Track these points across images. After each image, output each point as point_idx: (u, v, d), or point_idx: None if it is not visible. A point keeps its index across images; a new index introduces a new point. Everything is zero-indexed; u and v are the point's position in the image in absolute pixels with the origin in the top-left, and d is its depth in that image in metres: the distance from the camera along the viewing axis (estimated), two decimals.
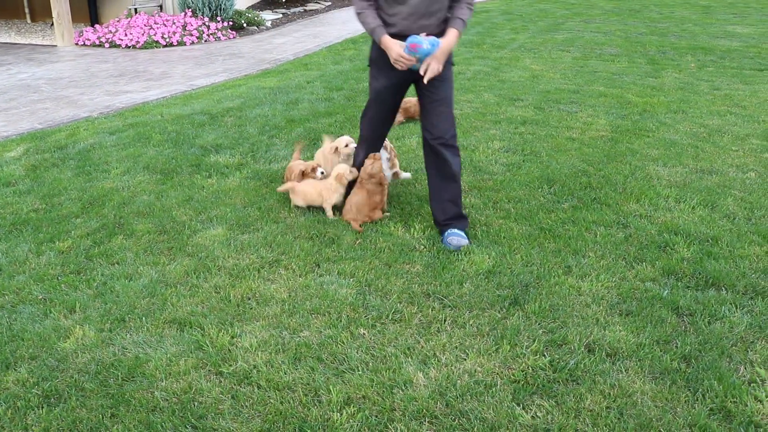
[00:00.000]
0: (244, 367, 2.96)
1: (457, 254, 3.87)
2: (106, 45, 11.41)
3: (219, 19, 12.14)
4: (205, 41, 11.56)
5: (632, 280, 3.61)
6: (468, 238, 4.01)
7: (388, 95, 4.11)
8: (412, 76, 3.96)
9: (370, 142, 4.34)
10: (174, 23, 11.72)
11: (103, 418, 2.71)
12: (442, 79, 3.92)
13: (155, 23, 11.74)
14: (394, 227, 4.21)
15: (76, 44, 11.76)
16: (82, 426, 2.67)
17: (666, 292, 3.47)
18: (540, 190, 4.78)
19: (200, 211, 4.52)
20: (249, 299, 3.49)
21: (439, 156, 4.02)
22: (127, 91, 8.23)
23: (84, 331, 3.26)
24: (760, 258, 3.82)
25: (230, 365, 2.98)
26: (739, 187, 4.85)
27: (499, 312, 3.33)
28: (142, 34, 11.33)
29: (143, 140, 6.05)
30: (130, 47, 11.22)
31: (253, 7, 14.56)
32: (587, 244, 3.99)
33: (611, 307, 3.36)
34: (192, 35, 11.49)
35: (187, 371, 2.96)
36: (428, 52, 3.70)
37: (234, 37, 11.95)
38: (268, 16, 13.78)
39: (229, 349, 3.09)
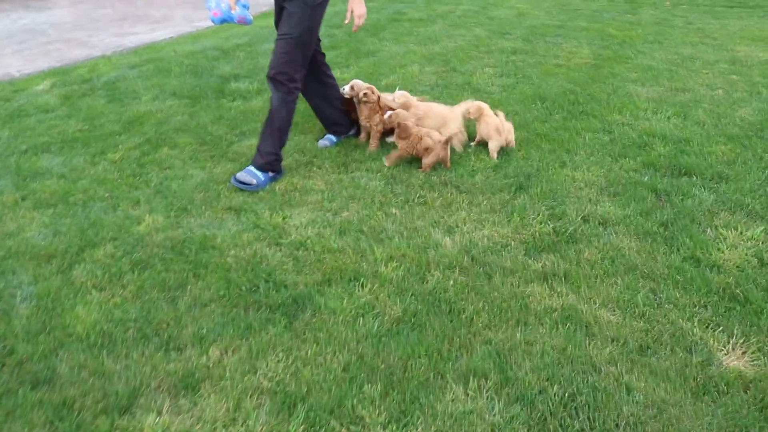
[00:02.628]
0: (298, 239, 3.55)
1: (467, 154, 4.46)
2: None
3: None
4: None
5: (617, 171, 4.22)
6: (256, 179, 4.13)
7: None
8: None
9: None
10: None
11: (187, 277, 3.28)
12: (288, 14, 4.11)
13: None
14: None
15: None
16: (171, 283, 3.24)
17: (647, 178, 4.10)
18: (533, 105, 5.37)
19: (233, 126, 5.05)
20: (292, 191, 4.06)
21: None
22: (134, 32, 8.60)
23: (153, 218, 3.81)
24: (725, 153, 4.46)
25: (286, 238, 3.56)
26: (708, 101, 5.47)
27: (507, 195, 3.94)
28: None
29: (163, 72, 6.51)
30: None
31: None
32: (578, 145, 4.59)
33: (601, 190, 3.98)
34: None
35: (250, 243, 3.53)
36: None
37: None
38: None
39: (282, 227, 3.67)
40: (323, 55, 4.58)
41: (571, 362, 2.63)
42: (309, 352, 2.74)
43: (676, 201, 3.84)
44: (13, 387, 2.62)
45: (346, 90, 4.62)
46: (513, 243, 3.46)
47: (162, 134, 4.98)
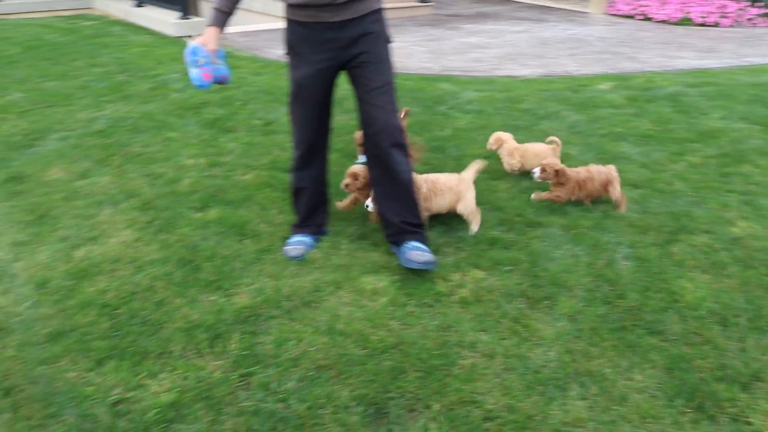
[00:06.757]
0: None
1: None
2: (638, 17, 12.02)
3: (760, 5, 11.90)
4: (741, 25, 11.46)
5: None
6: (431, 253, 3.28)
7: (312, 85, 3.25)
8: (339, 61, 3.20)
9: (310, 145, 3.42)
10: (712, 3, 11.86)
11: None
12: (376, 60, 3.16)
13: (691, 2, 12.01)
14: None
15: (607, 13, 12.63)
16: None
17: None
18: None
19: None
20: None
21: (388, 161, 3.28)
22: (679, 57, 8.67)
23: (748, 225, 3.80)
24: None
25: None
26: None
27: None
28: (677, 11, 11.69)
29: (726, 96, 6.42)
30: (662, 22, 11.67)
31: None
32: None
33: None
34: (728, 17, 11.49)
35: None
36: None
37: None
38: None
39: None
40: None
41: None
42: None
43: None
44: (628, 325, 2.87)
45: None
46: None
47: (741, 152, 4.89)
